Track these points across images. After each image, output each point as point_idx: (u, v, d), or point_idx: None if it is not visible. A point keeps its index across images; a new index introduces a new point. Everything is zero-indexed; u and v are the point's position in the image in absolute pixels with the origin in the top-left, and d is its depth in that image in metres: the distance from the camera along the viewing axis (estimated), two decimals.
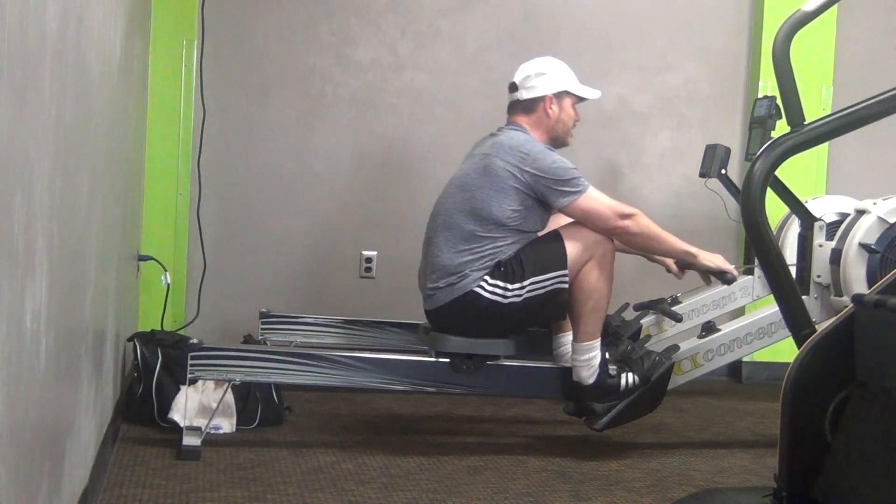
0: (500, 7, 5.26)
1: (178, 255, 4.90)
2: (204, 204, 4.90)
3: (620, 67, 5.37)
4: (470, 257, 3.50)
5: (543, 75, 3.67)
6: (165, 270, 4.61)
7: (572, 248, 3.50)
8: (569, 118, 3.69)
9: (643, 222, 3.55)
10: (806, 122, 2.67)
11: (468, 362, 3.54)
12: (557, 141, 3.69)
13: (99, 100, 2.54)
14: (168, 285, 4.62)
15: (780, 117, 4.07)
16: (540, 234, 3.61)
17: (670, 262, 3.84)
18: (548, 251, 3.51)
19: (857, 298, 2.25)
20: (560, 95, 3.67)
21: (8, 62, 1.35)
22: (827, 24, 5.20)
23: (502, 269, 3.49)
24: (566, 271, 3.48)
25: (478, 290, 3.48)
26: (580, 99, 3.72)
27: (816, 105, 5.14)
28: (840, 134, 2.75)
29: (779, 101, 3.36)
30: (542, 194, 3.51)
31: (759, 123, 4.35)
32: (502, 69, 5.30)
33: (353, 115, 5.14)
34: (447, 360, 3.55)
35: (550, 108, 3.66)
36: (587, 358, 3.54)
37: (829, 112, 3.14)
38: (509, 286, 3.47)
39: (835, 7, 3.02)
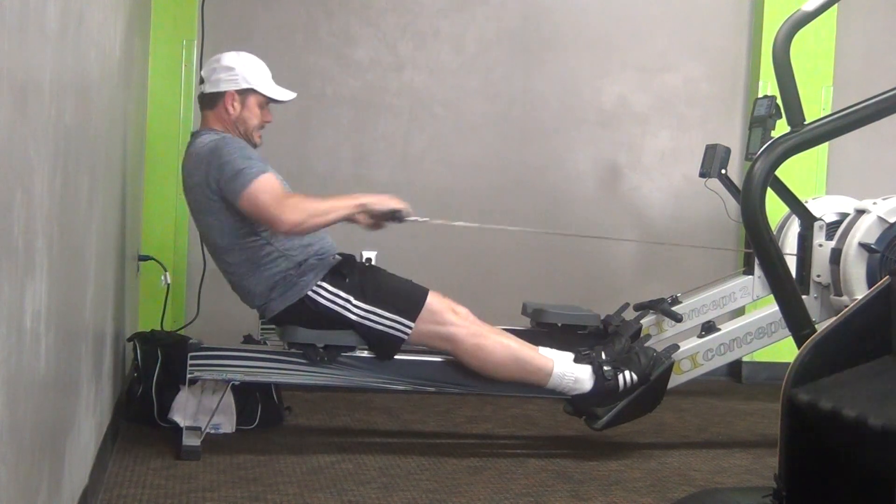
0: (500, 7, 5.26)
1: (178, 255, 4.90)
2: None
3: (620, 67, 5.36)
4: (273, 272, 3.42)
5: (230, 70, 3.53)
6: (165, 270, 4.61)
7: (429, 313, 3.42)
8: (253, 117, 3.54)
9: (302, 206, 3.33)
10: (806, 122, 2.67)
11: (322, 353, 3.47)
12: (244, 140, 3.55)
13: (99, 100, 2.54)
14: (168, 285, 4.62)
15: (780, 117, 4.07)
16: None
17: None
18: (408, 294, 3.46)
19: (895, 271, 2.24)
20: (244, 93, 3.53)
21: (8, 62, 1.35)
22: (827, 24, 5.20)
23: (347, 280, 3.44)
24: (411, 324, 3.41)
25: (313, 294, 3.41)
26: (270, 99, 3.57)
27: (816, 105, 5.13)
28: (840, 134, 2.75)
29: (779, 101, 3.36)
30: (227, 198, 3.35)
31: (759, 123, 4.36)
32: (502, 69, 5.31)
33: (353, 115, 5.14)
34: (300, 350, 3.48)
35: (232, 105, 3.52)
36: (567, 381, 3.52)
37: (829, 112, 3.14)
38: (352, 300, 3.42)
39: (835, 7, 3.03)
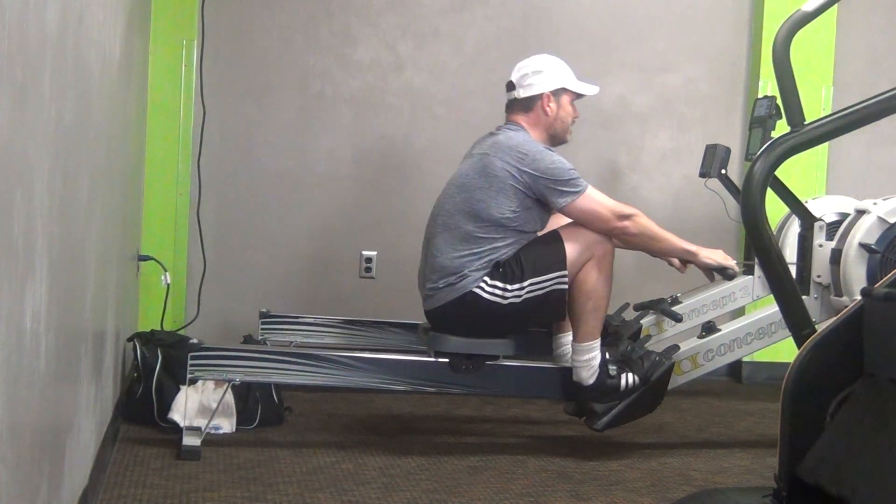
0: (500, 7, 5.26)
1: (178, 255, 4.90)
2: (204, 204, 4.90)
3: (620, 67, 5.36)
4: (469, 258, 3.50)
5: (540, 73, 3.65)
6: (165, 270, 4.61)
7: (572, 249, 3.49)
8: (567, 115, 3.68)
9: (642, 223, 3.54)
10: (806, 122, 2.68)
11: (467, 362, 3.54)
12: (556, 139, 3.68)
13: (99, 100, 2.54)
14: (168, 285, 4.62)
15: (780, 117, 4.07)
16: (539, 233, 3.62)
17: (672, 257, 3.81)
18: (547, 252, 3.51)
19: (866, 291, 2.25)
20: (558, 93, 3.65)
21: (8, 62, 1.35)
22: (827, 24, 5.20)
23: (501, 269, 3.49)
24: (566, 272, 3.48)
25: (477, 290, 3.48)
26: (578, 95, 3.70)
27: (816, 105, 5.13)
28: (840, 134, 2.75)
29: (779, 101, 3.36)
30: (542, 194, 3.51)
31: (759, 123, 4.36)
32: (502, 69, 5.28)
33: (353, 115, 5.14)
34: (447, 360, 3.55)
35: (548, 105, 3.64)
36: (587, 358, 3.54)
37: (829, 112, 3.14)
38: (508, 287, 3.47)
39: (835, 7, 3.03)
